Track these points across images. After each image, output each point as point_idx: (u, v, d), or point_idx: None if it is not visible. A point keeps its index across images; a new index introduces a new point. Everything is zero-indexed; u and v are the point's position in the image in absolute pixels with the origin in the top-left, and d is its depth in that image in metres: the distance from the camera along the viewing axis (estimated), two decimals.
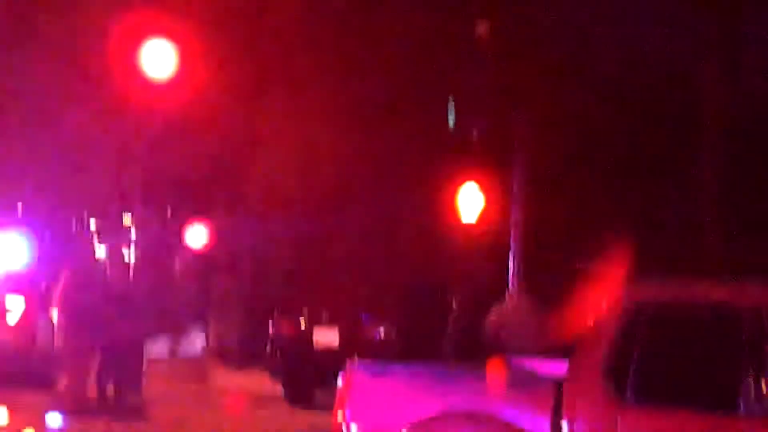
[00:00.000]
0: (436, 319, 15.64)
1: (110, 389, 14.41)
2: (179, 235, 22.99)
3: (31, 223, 19.10)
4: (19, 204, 20.96)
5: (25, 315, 15.28)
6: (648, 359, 6.96)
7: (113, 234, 23.25)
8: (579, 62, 16.77)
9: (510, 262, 15.18)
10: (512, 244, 15.23)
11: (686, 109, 16.46)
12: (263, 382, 16.56)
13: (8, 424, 13.35)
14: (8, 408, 13.59)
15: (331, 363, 10.80)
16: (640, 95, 16.86)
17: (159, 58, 12.49)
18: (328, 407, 7.69)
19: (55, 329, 14.51)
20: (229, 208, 20.02)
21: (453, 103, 16.18)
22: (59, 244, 19.30)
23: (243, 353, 18.48)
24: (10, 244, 15.93)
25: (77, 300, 13.94)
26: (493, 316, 13.48)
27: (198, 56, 13.86)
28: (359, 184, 18.19)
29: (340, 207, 18.05)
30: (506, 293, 14.19)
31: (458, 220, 15.20)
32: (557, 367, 7.45)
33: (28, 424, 13.21)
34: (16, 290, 15.54)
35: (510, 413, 7.13)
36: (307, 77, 16.95)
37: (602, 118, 16.51)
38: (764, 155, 15.83)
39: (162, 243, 23.31)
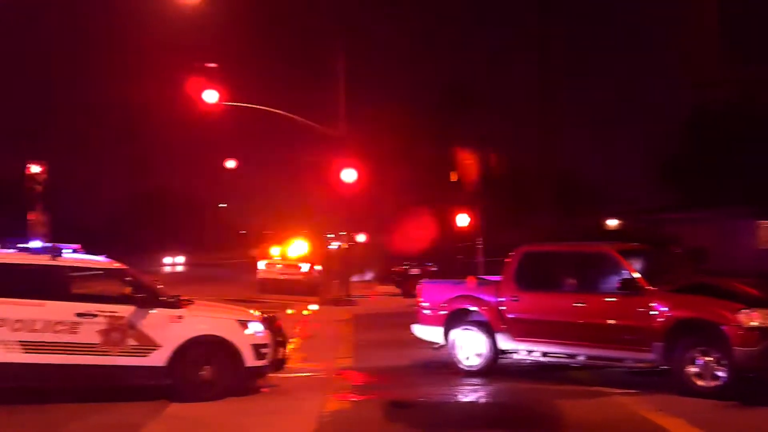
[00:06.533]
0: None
1: None
2: None
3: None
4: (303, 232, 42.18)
5: (311, 270, 36.06)
6: (531, 272, 12.75)
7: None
8: None
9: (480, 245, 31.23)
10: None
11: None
12: (393, 291, 36.19)
13: None
14: None
15: (416, 281, 17.82)
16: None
17: (349, 174, 30.75)
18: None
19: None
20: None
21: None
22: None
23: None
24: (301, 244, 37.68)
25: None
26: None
27: (365, 172, 31.33)
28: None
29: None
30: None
31: (454, 226, 33.37)
32: (497, 278, 13.20)
33: None
34: (306, 261, 37.07)
35: (480, 294, 13.10)
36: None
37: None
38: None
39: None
